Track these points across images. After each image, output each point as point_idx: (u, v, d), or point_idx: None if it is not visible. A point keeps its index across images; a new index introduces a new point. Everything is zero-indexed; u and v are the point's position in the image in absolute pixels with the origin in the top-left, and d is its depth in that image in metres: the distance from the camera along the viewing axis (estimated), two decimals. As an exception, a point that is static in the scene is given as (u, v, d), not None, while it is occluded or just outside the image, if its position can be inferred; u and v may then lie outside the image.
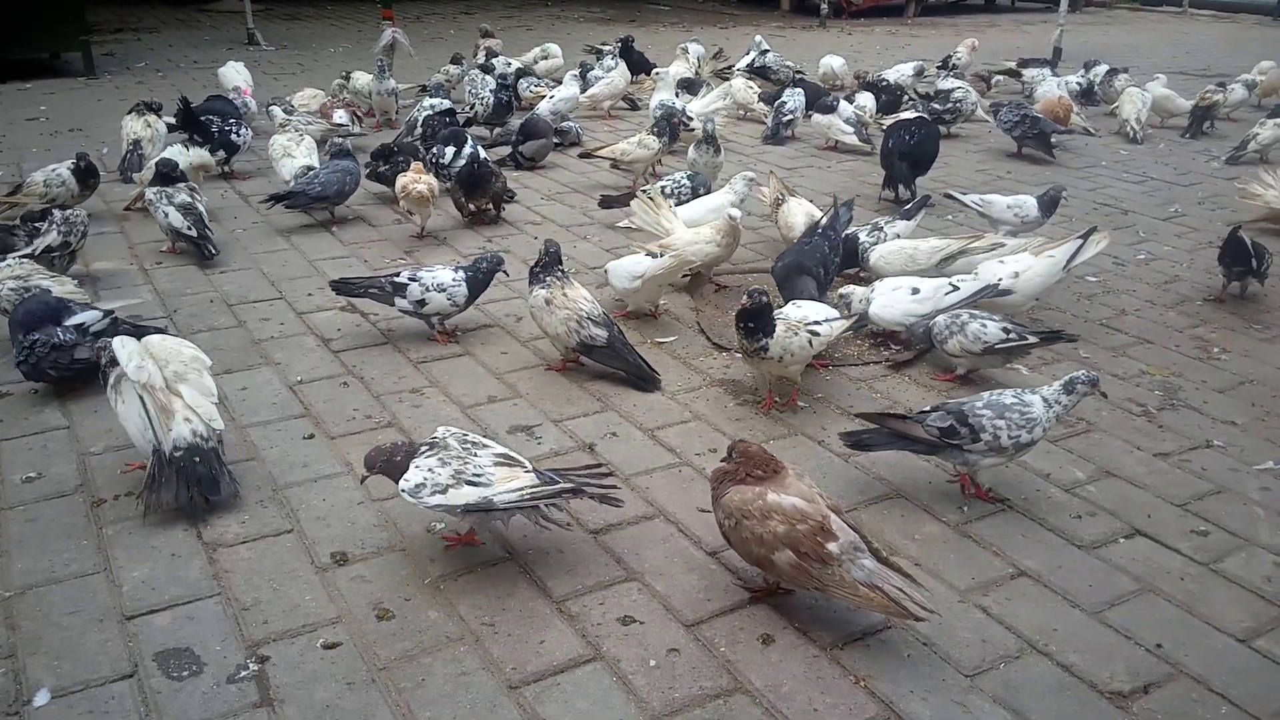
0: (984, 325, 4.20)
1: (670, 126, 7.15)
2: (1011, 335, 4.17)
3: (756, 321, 3.84)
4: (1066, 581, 3.13)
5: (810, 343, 3.92)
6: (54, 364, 3.97)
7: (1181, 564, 3.25)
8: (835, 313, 4.23)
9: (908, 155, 6.20)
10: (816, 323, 3.99)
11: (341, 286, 4.68)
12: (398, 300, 4.53)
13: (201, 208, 5.57)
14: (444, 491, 2.96)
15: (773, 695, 2.65)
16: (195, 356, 3.54)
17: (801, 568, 2.77)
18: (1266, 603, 3.07)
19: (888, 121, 8.21)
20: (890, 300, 4.51)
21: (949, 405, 3.47)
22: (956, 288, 4.50)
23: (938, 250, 5.01)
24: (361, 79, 8.94)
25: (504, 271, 4.71)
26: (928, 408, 3.52)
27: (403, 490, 2.99)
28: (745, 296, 3.87)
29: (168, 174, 5.62)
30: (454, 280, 4.52)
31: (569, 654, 2.77)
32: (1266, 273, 5.35)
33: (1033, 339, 4.19)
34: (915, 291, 4.49)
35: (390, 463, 3.05)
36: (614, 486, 3.14)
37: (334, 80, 9.22)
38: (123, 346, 3.39)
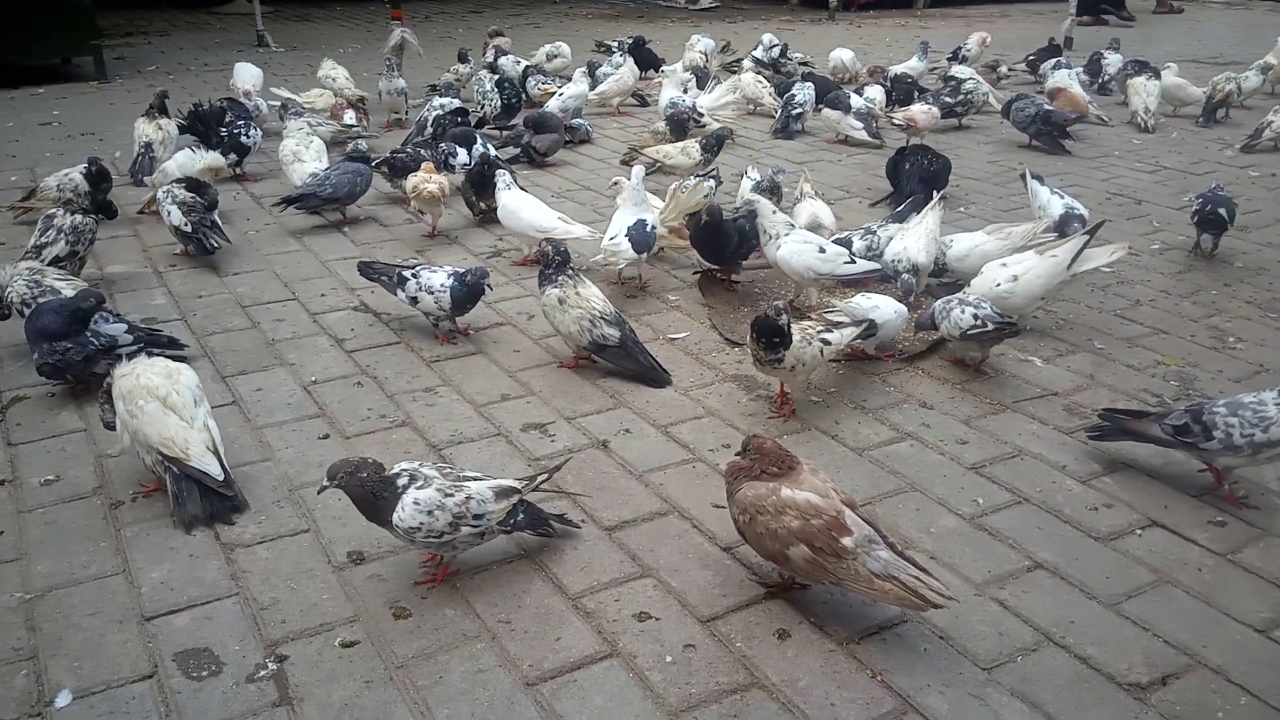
0: (963, 312, 4.23)
1: (679, 123, 7.13)
2: (978, 323, 4.19)
3: (782, 336, 3.77)
4: (1083, 573, 3.12)
5: (821, 352, 3.91)
6: (77, 373, 4.04)
7: (1199, 555, 3.23)
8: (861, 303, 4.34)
9: (927, 180, 6.39)
10: (828, 330, 3.98)
11: (365, 269, 4.83)
12: (398, 291, 4.61)
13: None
14: (439, 536, 2.92)
15: (789, 690, 2.65)
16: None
17: (816, 562, 2.77)
18: (1285, 593, 3.06)
19: (898, 115, 8.19)
20: (798, 249, 4.74)
21: (1191, 403, 3.53)
22: (854, 260, 4.80)
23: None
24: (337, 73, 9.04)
25: (488, 286, 4.53)
26: (1183, 406, 3.59)
27: (397, 526, 2.90)
28: (769, 309, 3.75)
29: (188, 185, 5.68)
30: (441, 286, 4.52)
31: (585, 650, 2.78)
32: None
33: (992, 327, 4.18)
34: (822, 251, 4.76)
35: (354, 478, 2.90)
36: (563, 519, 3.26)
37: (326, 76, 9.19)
38: None
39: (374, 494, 2.90)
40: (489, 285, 4.55)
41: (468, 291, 4.52)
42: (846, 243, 5.14)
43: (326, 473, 2.93)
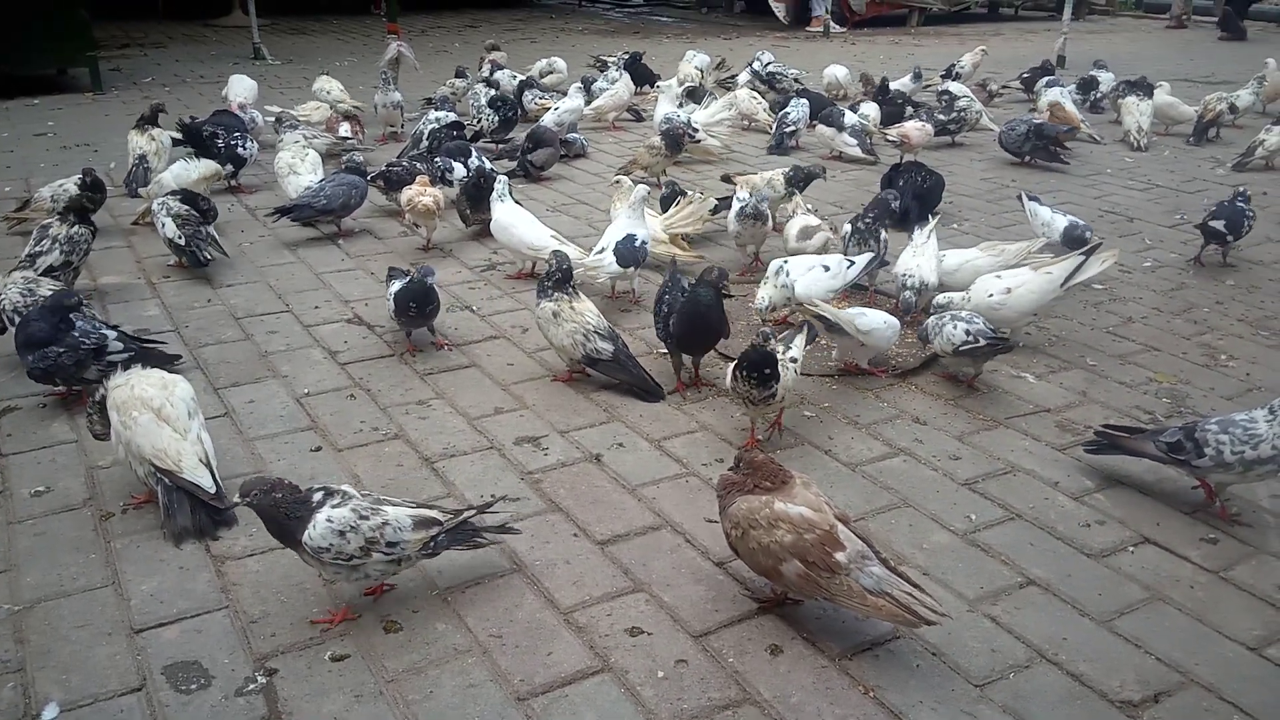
0: (955, 328, 4.25)
1: (674, 139, 7.16)
2: (970, 338, 4.21)
3: (773, 365, 3.66)
4: (1076, 590, 3.12)
5: (796, 373, 3.90)
6: (67, 377, 4.03)
7: (1191, 572, 3.23)
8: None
9: (920, 196, 6.50)
10: (786, 348, 3.91)
11: (390, 271, 4.85)
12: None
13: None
14: (348, 560, 2.80)
15: (781, 706, 2.64)
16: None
17: (809, 577, 2.77)
18: (1277, 611, 3.06)
19: (891, 133, 8.22)
20: (812, 278, 4.78)
21: (1185, 421, 3.55)
22: (853, 263, 4.92)
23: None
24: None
25: (414, 304, 4.46)
26: (1178, 424, 3.61)
27: (306, 545, 2.79)
28: (757, 337, 3.66)
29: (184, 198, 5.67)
30: (392, 292, 4.56)
31: (577, 665, 2.77)
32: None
33: (984, 343, 4.19)
34: (826, 269, 4.82)
35: (268, 497, 2.78)
36: (503, 527, 3.14)
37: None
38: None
39: (286, 515, 2.78)
40: (415, 277, 4.45)
41: (406, 295, 4.48)
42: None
43: (240, 489, 2.86)
